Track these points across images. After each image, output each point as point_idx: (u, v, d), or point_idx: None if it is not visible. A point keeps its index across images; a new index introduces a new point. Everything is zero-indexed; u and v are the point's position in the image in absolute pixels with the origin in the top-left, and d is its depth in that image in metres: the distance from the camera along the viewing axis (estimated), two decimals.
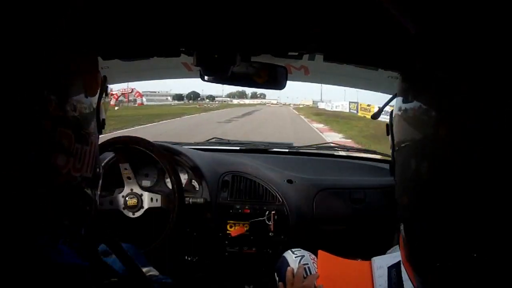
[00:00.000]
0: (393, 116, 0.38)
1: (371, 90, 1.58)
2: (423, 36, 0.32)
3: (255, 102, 69.99)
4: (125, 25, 0.59)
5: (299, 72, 1.34)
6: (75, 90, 0.37)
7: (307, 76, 1.38)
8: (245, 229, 1.09)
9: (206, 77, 0.76)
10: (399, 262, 0.67)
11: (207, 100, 71.83)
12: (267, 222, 1.08)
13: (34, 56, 0.33)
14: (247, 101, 73.12)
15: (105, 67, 1.29)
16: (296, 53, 0.69)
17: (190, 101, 60.54)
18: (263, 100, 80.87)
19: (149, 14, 0.55)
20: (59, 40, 0.35)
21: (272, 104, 61.99)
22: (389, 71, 0.64)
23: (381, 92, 1.44)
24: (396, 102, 0.37)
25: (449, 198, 0.26)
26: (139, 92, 35.50)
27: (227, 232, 1.09)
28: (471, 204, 0.24)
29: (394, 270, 0.67)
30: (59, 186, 0.35)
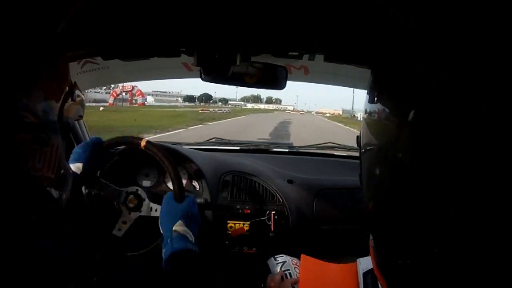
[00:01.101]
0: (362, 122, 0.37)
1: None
2: (423, 35, 0.32)
3: (271, 108, 66.66)
4: (126, 25, 0.59)
5: (299, 72, 1.34)
6: (36, 95, 0.38)
7: (307, 76, 1.38)
8: (245, 229, 1.09)
9: (206, 77, 0.76)
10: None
11: (220, 103, 69.58)
12: (267, 222, 1.08)
13: None
14: (262, 106, 70.09)
15: (105, 67, 1.29)
16: (296, 53, 0.69)
17: (202, 103, 58.74)
18: (279, 106, 77.55)
19: (150, 14, 0.55)
20: (24, 45, 0.36)
21: (292, 111, 56.30)
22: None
23: None
24: (364, 104, 0.36)
25: (412, 207, 0.26)
26: (140, 91, 33.24)
27: (227, 232, 1.09)
28: (434, 213, 0.24)
29: (369, 276, 0.66)
30: (19, 184, 0.36)
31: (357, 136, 0.40)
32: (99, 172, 0.96)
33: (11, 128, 0.34)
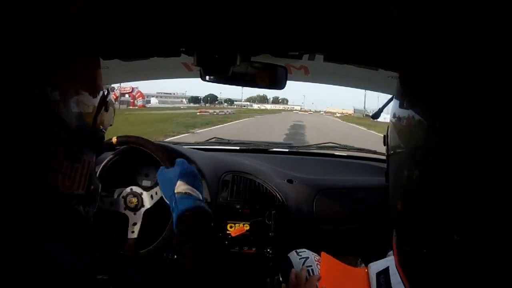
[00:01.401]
0: (389, 122, 0.38)
1: (371, 90, 1.58)
2: (424, 34, 0.32)
3: (278, 108, 64.82)
4: (125, 25, 0.59)
5: (299, 72, 1.34)
6: (68, 105, 0.36)
7: (307, 76, 1.38)
8: (245, 229, 1.08)
9: (206, 77, 0.76)
10: (387, 268, 0.67)
11: (225, 104, 68.07)
12: (267, 222, 1.08)
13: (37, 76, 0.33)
14: (268, 106, 68.06)
15: (105, 67, 1.29)
16: (296, 53, 0.70)
17: (207, 104, 57.56)
18: (286, 106, 75.25)
19: (150, 14, 0.55)
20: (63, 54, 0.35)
21: (300, 111, 54.33)
22: (389, 71, 0.64)
23: (381, 92, 1.44)
24: (392, 108, 0.37)
25: (440, 206, 0.26)
26: (140, 92, 32.09)
27: (227, 232, 1.09)
28: (463, 214, 0.24)
29: (382, 276, 0.67)
30: (47, 201, 0.35)
31: (384, 136, 0.41)
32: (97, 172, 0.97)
33: (42, 142, 0.33)
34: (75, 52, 0.40)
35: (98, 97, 0.42)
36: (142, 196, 0.91)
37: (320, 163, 1.41)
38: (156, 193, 0.90)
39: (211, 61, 0.68)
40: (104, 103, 0.43)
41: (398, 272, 0.35)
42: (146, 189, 0.95)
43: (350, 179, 1.26)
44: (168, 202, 0.69)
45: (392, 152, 0.37)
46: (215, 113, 25.29)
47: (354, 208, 1.18)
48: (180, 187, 0.67)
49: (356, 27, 0.53)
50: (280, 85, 0.82)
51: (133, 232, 0.90)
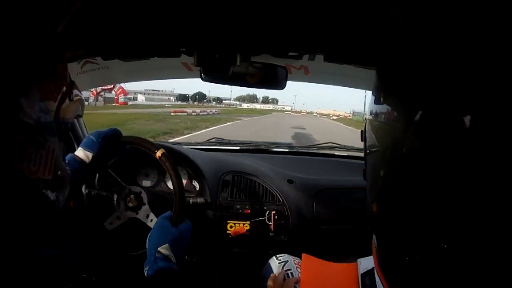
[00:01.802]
0: (366, 121, 0.37)
1: (371, 90, 1.57)
2: (423, 34, 0.32)
3: (268, 108, 64.29)
4: (126, 26, 0.59)
5: (299, 72, 1.34)
6: (32, 96, 0.37)
7: (307, 76, 1.38)
8: (245, 229, 1.08)
9: (206, 77, 0.76)
10: (372, 269, 0.66)
11: (214, 102, 67.25)
12: (267, 222, 1.08)
13: None
14: (258, 106, 67.06)
15: (105, 67, 1.29)
16: (296, 53, 0.70)
17: (195, 103, 56.46)
18: (276, 106, 74.57)
19: (150, 14, 0.55)
20: (22, 45, 0.36)
21: (291, 112, 53.68)
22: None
23: None
24: (369, 105, 0.36)
25: (417, 210, 0.26)
26: (122, 89, 29.99)
27: (227, 232, 1.09)
28: (440, 217, 0.24)
29: (367, 277, 0.66)
30: (13, 186, 0.36)
31: (362, 131, 0.40)
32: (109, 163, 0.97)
33: (6, 130, 0.34)
34: (50, 54, 0.41)
35: (63, 88, 0.43)
36: (143, 207, 0.91)
37: (320, 163, 1.41)
38: (152, 221, 0.91)
39: (211, 61, 0.68)
40: (68, 93, 0.44)
41: (378, 275, 0.34)
42: (147, 189, 0.95)
43: (350, 179, 1.26)
44: (147, 248, 0.70)
45: (368, 151, 0.37)
46: (194, 114, 20.00)
47: (354, 208, 1.18)
48: (165, 249, 0.69)
49: (356, 27, 0.53)
50: (280, 85, 0.82)
51: (111, 224, 0.92)
